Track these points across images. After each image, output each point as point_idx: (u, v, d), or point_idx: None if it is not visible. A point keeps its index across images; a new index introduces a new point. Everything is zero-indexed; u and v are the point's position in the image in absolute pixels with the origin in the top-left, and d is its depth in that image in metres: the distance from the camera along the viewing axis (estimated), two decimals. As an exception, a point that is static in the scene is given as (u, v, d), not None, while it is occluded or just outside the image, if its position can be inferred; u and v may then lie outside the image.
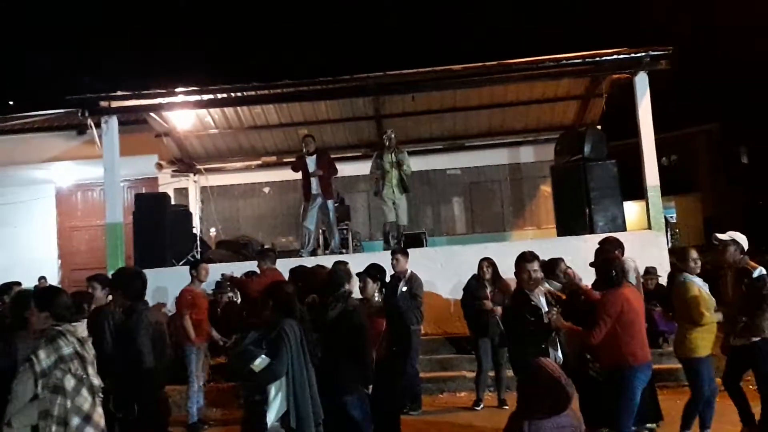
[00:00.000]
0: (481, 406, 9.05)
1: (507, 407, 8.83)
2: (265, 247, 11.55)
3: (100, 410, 4.50)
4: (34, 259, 15.71)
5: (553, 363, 3.61)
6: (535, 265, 6.04)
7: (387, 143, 12.56)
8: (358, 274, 7.32)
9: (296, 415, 5.02)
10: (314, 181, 12.15)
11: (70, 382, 4.30)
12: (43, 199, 16.74)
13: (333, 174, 12.42)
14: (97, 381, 4.52)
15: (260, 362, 4.97)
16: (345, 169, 14.59)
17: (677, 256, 6.98)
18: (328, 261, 9.84)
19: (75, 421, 4.29)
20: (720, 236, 7.27)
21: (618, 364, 5.90)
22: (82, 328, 4.59)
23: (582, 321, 5.99)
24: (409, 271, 9.28)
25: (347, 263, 7.69)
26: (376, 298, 7.03)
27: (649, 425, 6.96)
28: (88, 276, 7.37)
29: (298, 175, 12.55)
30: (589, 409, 6.24)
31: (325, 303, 6.11)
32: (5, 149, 15.58)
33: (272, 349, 5.03)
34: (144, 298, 5.61)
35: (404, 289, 8.99)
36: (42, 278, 13.38)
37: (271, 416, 5.01)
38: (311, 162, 12.16)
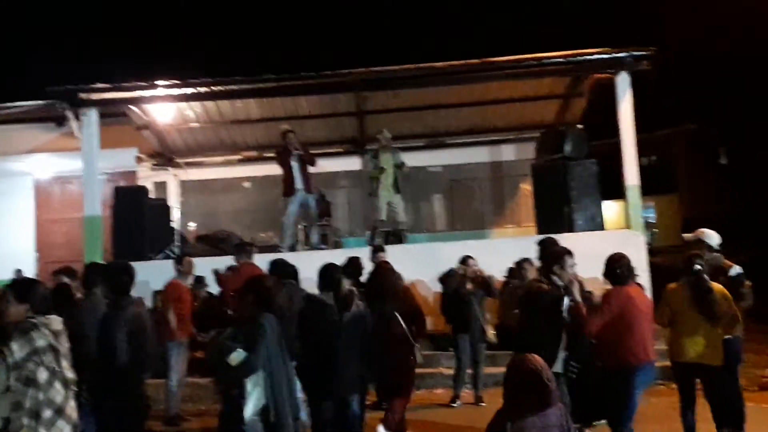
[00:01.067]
0: (458, 403, 9.08)
1: (484, 404, 8.87)
2: (243, 241, 11.52)
3: (72, 403, 4.48)
4: (11, 251, 15.55)
5: (537, 358, 3.54)
6: (572, 260, 6.08)
7: (383, 143, 12.60)
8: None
9: (275, 408, 5.03)
10: (297, 176, 12.09)
11: (42, 375, 4.28)
12: (21, 191, 16.56)
13: (312, 165, 12.39)
14: (70, 374, 4.50)
15: (236, 356, 4.98)
16: (326, 165, 14.58)
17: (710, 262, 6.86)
18: (308, 257, 9.89)
19: (47, 413, 4.27)
20: (686, 236, 7.38)
21: (619, 364, 5.91)
22: (56, 321, 4.56)
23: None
24: (388, 269, 9.31)
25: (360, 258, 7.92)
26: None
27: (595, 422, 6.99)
28: (55, 269, 7.31)
29: (279, 170, 12.49)
30: (581, 404, 6.24)
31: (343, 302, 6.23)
32: (-17, 140, 15.44)
33: (249, 343, 5.04)
34: (129, 293, 5.58)
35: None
36: (18, 271, 13.23)
37: (249, 410, 5.02)
38: (295, 156, 12.11)
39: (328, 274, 6.47)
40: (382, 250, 9.59)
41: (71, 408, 4.46)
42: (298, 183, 12.09)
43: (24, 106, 16.47)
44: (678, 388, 6.78)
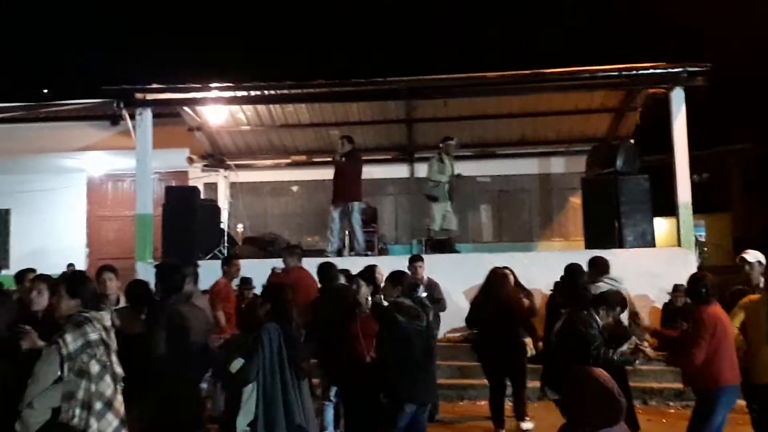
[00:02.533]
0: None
1: (527, 418, 8.78)
2: (292, 244, 11.55)
3: (120, 398, 4.56)
4: (62, 246, 15.84)
5: (605, 372, 3.44)
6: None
7: (448, 151, 12.58)
8: (352, 277, 7.42)
9: (265, 422, 5.00)
10: (337, 183, 12.18)
11: (95, 368, 4.37)
12: (74, 187, 16.87)
13: (353, 174, 12.34)
14: (119, 369, 4.59)
15: (236, 364, 5.02)
16: (374, 172, 14.64)
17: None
18: (353, 262, 9.89)
19: (98, 405, 4.35)
20: (747, 257, 7.24)
21: (705, 384, 5.84)
22: (107, 317, 4.65)
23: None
24: (426, 278, 9.26)
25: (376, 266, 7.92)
26: (369, 302, 6.99)
27: None
28: (101, 266, 7.37)
29: (328, 175, 12.57)
30: None
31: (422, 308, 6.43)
32: (39, 137, 15.72)
33: (246, 353, 5.07)
34: (180, 292, 5.62)
35: (424, 294, 8.97)
36: (70, 265, 13.44)
37: (241, 420, 5.00)
38: (338, 164, 12.20)
39: (408, 280, 6.57)
40: (421, 259, 9.53)
41: (119, 402, 4.54)
42: (337, 190, 12.18)
43: (80, 103, 16.81)
44: (752, 413, 6.54)
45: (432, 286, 9.19)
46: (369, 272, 7.67)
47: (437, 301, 9.06)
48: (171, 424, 5.24)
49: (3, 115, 16.00)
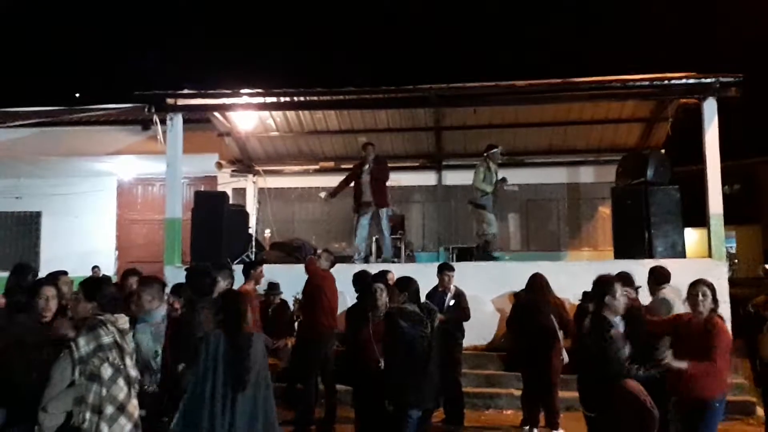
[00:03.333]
0: (528, 425, 8.93)
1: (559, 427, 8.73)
2: (322, 249, 11.55)
3: (135, 401, 4.54)
4: (92, 249, 16.00)
5: (639, 386, 3.40)
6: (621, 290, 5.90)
7: (494, 159, 12.62)
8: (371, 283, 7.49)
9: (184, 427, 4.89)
10: (366, 189, 12.17)
11: (107, 371, 4.36)
12: (105, 191, 17.05)
13: (383, 179, 12.35)
14: (134, 372, 4.57)
15: (181, 368, 5.10)
16: (401, 179, 14.63)
17: None
18: (380, 269, 9.88)
19: (109, 409, 4.33)
20: None
21: (709, 395, 5.59)
22: (123, 320, 4.65)
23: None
24: (453, 287, 9.23)
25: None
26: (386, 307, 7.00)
27: None
28: (125, 270, 7.42)
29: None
30: None
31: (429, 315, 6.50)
32: (70, 140, 15.92)
33: (188, 358, 5.09)
34: (210, 296, 5.64)
35: (452, 303, 8.98)
36: (95, 267, 13.58)
37: (174, 421, 4.95)
38: (366, 170, 12.19)
39: (414, 287, 6.60)
40: (451, 268, 9.47)
41: (133, 406, 4.51)
42: (367, 196, 12.15)
43: (111, 108, 17.02)
44: None
45: (459, 295, 9.15)
46: (382, 277, 7.88)
47: (463, 309, 9.03)
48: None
49: (35, 119, 16.23)
